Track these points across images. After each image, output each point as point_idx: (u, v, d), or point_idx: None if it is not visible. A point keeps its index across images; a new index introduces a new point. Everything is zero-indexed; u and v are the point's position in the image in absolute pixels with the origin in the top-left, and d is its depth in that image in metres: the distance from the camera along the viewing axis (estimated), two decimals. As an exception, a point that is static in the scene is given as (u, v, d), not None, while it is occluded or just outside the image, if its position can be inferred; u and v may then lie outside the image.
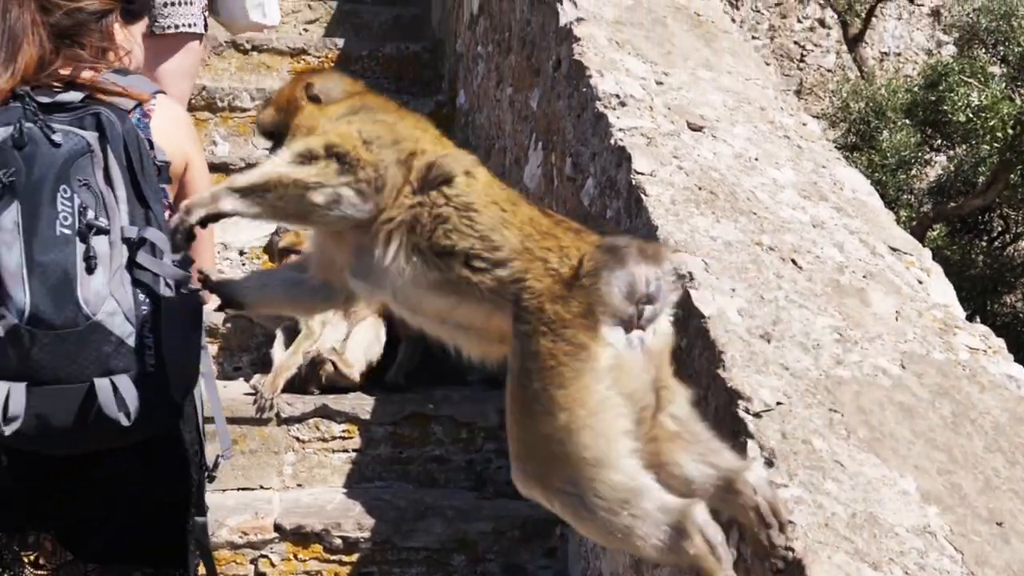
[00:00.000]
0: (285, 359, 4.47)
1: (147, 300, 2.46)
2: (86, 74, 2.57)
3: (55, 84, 2.54)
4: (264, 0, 4.52)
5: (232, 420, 4.02)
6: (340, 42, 6.48)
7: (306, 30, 6.90)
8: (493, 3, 5.06)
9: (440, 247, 2.26)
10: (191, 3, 4.31)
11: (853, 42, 8.88)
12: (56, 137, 2.45)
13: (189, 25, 4.32)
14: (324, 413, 4.31)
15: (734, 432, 2.34)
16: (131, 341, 2.43)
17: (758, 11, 9.43)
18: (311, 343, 4.53)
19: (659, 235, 2.87)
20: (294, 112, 2.46)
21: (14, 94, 2.50)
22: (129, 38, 2.72)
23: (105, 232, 2.45)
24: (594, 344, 2.12)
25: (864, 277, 2.80)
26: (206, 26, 4.42)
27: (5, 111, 2.48)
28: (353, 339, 4.60)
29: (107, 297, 2.42)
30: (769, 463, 2.21)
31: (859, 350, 2.54)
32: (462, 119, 5.75)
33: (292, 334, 4.60)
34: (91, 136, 2.48)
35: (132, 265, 2.45)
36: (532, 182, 4.28)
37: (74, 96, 2.52)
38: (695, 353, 2.61)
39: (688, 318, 2.66)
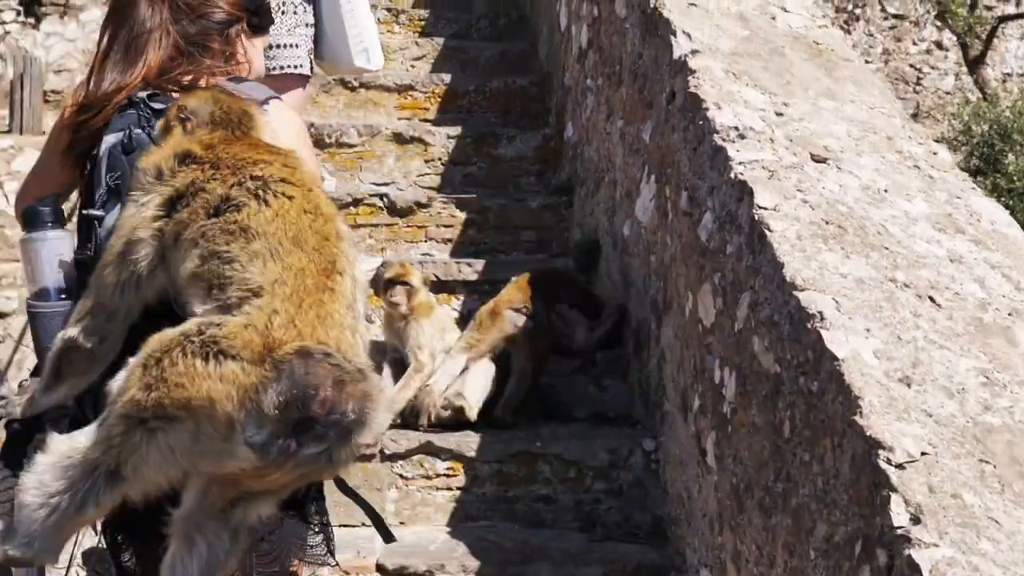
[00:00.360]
0: (394, 393, 4.39)
1: None
2: (204, 81, 2.59)
3: (174, 89, 2.56)
4: (368, 45, 4.49)
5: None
6: (447, 77, 6.47)
7: (413, 66, 6.91)
8: (603, 36, 4.98)
9: (198, 268, 2.19)
10: (297, 46, 4.33)
11: (974, 64, 8.59)
12: None
13: (295, 67, 4.34)
14: (428, 450, 4.21)
15: (875, 484, 2.19)
16: None
17: (871, 35, 9.22)
18: (423, 377, 4.44)
19: (785, 272, 2.74)
20: (170, 132, 2.43)
21: (130, 101, 2.53)
22: (251, 50, 2.73)
23: None
24: (206, 412, 2.04)
25: (1009, 315, 2.63)
26: (312, 67, 4.42)
27: (120, 118, 2.51)
28: (474, 380, 4.48)
29: None
30: (916, 520, 2.05)
31: (1008, 394, 2.37)
32: (570, 152, 5.67)
33: (400, 367, 4.52)
34: None
35: None
36: (644, 215, 4.17)
37: None
38: (827, 398, 2.46)
39: (819, 361, 2.52)
